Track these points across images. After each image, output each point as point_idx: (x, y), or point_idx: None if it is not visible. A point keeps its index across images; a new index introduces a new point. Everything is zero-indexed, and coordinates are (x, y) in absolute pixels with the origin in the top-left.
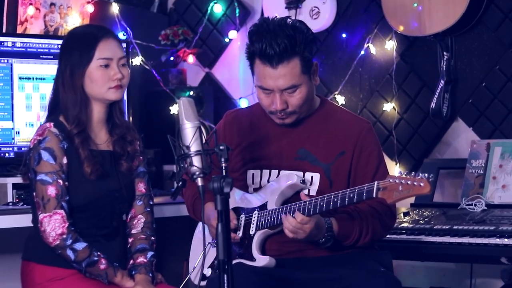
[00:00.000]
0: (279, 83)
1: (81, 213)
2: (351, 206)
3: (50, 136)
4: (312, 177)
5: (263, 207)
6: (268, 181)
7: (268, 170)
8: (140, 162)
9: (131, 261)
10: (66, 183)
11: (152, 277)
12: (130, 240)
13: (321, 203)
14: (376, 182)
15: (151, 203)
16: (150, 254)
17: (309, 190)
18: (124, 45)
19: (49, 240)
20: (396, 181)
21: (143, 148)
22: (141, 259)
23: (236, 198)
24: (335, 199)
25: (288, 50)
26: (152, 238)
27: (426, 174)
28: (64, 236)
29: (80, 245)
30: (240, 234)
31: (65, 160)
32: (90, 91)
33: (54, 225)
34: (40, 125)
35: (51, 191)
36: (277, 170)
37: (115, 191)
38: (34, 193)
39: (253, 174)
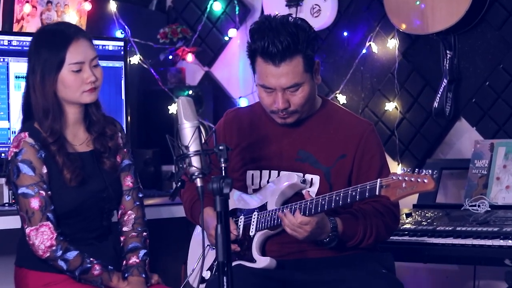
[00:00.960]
0: (281, 82)
1: (69, 219)
2: (355, 207)
3: (26, 147)
4: (312, 179)
5: (263, 207)
6: (268, 182)
7: (268, 171)
8: (124, 155)
9: (124, 262)
10: (49, 192)
11: (146, 277)
12: (122, 238)
13: (323, 202)
14: (378, 180)
15: (140, 195)
16: (142, 252)
17: (308, 191)
18: (122, 43)
19: (39, 253)
20: (399, 178)
21: (126, 139)
22: (133, 259)
23: (235, 199)
24: (337, 198)
25: (291, 48)
26: (144, 234)
27: (429, 171)
28: (54, 248)
29: (71, 254)
30: (240, 237)
31: (44, 170)
32: (64, 95)
33: (42, 238)
34: (15, 135)
35: (34, 203)
36: (277, 171)
37: (100, 191)
38: (17, 207)
39: (252, 174)
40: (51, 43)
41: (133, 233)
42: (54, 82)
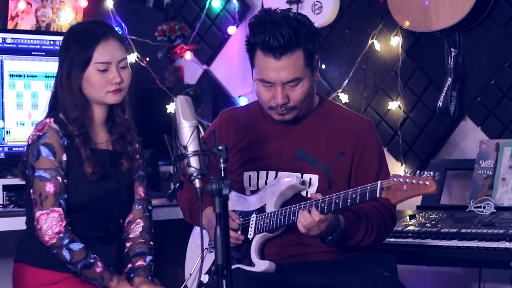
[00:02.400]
0: (281, 76)
1: (78, 213)
2: (357, 206)
3: (50, 131)
4: (310, 178)
5: (261, 209)
6: (266, 183)
7: (265, 172)
8: (139, 165)
9: (130, 265)
10: (65, 180)
11: (151, 280)
12: (128, 244)
13: (322, 205)
14: (379, 182)
15: (150, 208)
16: (149, 258)
17: (307, 192)
18: None
19: (45, 239)
20: (401, 180)
21: (142, 151)
22: (140, 262)
23: (233, 200)
24: (337, 201)
25: (292, 42)
26: (151, 243)
27: (431, 173)
28: (61, 235)
29: (77, 246)
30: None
31: (64, 157)
32: (89, 94)
33: (51, 223)
34: (39, 121)
35: (49, 188)
36: (275, 172)
37: (114, 192)
38: (31, 190)
39: (250, 176)
40: (80, 41)
41: (141, 240)
42: (80, 79)
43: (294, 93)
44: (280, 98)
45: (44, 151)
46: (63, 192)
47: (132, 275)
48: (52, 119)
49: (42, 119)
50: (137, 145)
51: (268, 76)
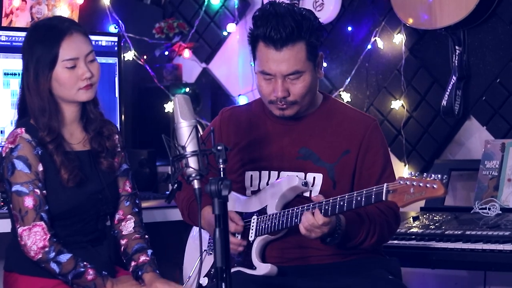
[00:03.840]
0: (282, 68)
1: (63, 221)
2: None
3: (23, 143)
4: (314, 178)
5: (262, 211)
6: (268, 184)
7: (268, 172)
8: (122, 159)
9: (133, 263)
10: (44, 191)
11: (159, 274)
12: (123, 241)
13: (326, 207)
14: (385, 184)
15: (138, 202)
16: (150, 252)
17: (310, 191)
18: (116, 39)
19: (31, 254)
20: (407, 183)
21: (124, 143)
22: (143, 258)
23: (233, 201)
24: (342, 203)
25: (294, 34)
26: (146, 236)
27: (439, 175)
28: (47, 249)
29: (65, 257)
30: (239, 237)
31: (40, 168)
32: (60, 94)
33: (34, 238)
34: (11, 131)
35: (28, 202)
36: (277, 172)
37: (97, 193)
38: (11, 205)
39: (251, 176)
40: (43, 39)
41: (136, 235)
42: (48, 80)
43: (295, 87)
44: (280, 91)
45: (18, 164)
46: (43, 205)
47: (140, 273)
48: (23, 129)
49: (13, 129)
50: (116, 137)
51: (269, 67)
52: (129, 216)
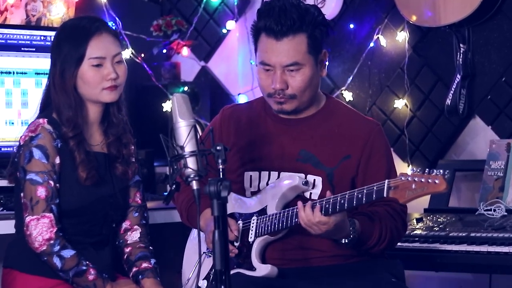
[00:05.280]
0: (281, 59)
1: (71, 219)
2: (369, 208)
3: (44, 133)
4: (314, 180)
5: (262, 211)
6: (267, 184)
7: (267, 172)
8: (135, 170)
9: (135, 268)
10: (58, 185)
11: (159, 281)
12: (127, 249)
13: (326, 206)
14: (386, 181)
15: (146, 215)
16: (153, 261)
17: (311, 193)
18: None
19: (35, 245)
20: (409, 179)
21: (137, 155)
22: (145, 264)
23: (232, 202)
24: (342, 201)
25: (296, 25)
26: (151, 248)
27: (441, 171)
28: (52, 242)
29: (68, 253)
30: (238, 244)
31: (57, 160)
32: (84, 92)
33: (41, 229)
34: (32, 121)
35: (41, 192)
36: (277, 172)
37: (109, 197)
38: (21, 194)
39: (251, 176)
40: (72, 37)
41: (141, 244)
42: (74, 77)
43: (293, 80)
44: (278, 82)
45: (36, 153)
46: (54, 197)
47: (140, 277)
48: (45, 120)
49: (35, 119)
50: (132, 147)
51: (268, 58)
52: (135, 227)
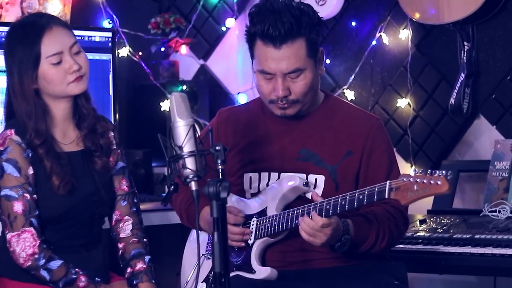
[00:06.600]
0: (282, 66)
1: (56, 225)
2: (366, 209)
3: (12, 145)
4: (316, 179)
5: (262, 213)
6: (267, 185)
7: (267, 173)
8: (118, 157)
9: (129, 269)
10: (35, 195)
11: (155, 283)
12: (121, 245)
13: (327, 207)
14: (388, 182)
15: (136, 201)
16: (147, 258)
17: (316, 193)
18: (110, 34)
19: (20, 262)
20: (411, 180)
21: (120, 140)
22: (139, 265)
23: (235, 204)
24: (343, 202)
25: (293, 30)
26: (145, 240)
27: (443, 171)
28: (36, 256)
29: (55, 264)
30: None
31: (31, 171)
32: (50, 91)
33: (23, 244)
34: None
35: (18, 207)
36: (277, 173)
37: (92, 195)
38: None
39: (250, 177)
40: (23, 38)
41: (134, 239)
42: (34, 80)
43: (296, 85)
44: (280, 90)
45: (7, 167)
46: (33, 210)
47: (135, 282)
48: (13, 130)
49: (2, 131)
50: (111, 134)
51: (268, 66)
52: (126, 217)
